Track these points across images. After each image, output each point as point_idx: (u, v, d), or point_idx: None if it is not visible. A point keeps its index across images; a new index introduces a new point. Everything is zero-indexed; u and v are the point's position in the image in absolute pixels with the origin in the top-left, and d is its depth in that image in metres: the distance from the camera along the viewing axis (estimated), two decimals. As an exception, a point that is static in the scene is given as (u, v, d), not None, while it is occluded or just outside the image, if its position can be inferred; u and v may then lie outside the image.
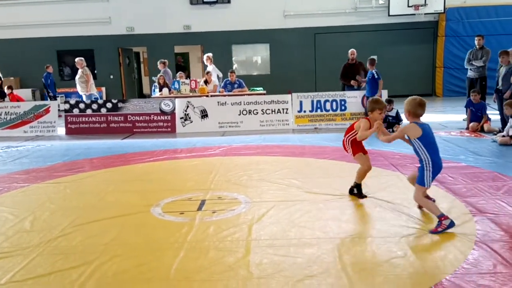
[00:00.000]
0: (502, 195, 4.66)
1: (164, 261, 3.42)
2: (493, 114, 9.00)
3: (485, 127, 8.41)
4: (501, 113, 8.28)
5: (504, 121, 7.90)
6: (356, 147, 4.83)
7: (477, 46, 10.01)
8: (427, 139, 3.91)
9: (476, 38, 10.16)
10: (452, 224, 3.73)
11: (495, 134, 7.82)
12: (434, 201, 4.15)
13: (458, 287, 2.86)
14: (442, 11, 14.82)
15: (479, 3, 15.03)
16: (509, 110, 7.36)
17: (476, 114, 8.64)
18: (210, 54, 11.85)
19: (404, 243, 3.57)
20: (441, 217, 3.75)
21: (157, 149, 7.99)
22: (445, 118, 10.44)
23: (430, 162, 3.85)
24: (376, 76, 9.70)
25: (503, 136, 7.29)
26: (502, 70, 8.32)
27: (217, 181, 5.62)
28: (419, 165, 3.99)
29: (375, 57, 10.11)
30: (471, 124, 8.61)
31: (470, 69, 10.10)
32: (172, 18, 15.75)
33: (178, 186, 5.48)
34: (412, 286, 2.91)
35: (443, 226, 3.72)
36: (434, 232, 3.73)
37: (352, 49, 10.59)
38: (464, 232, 3.74)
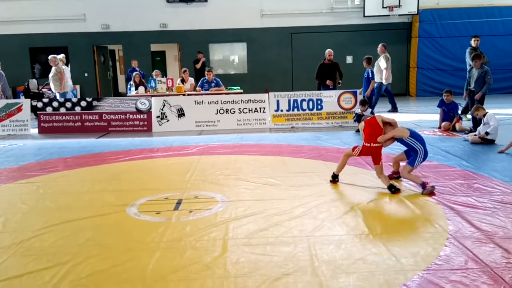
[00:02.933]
0: (473, 192, 4.78)
1: (140, 261, 3.39)
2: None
3: (457, 126, 8.62)
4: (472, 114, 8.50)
5: (475, 121, 8.12)
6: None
7: (474, 46, 9.87)
8: (416, 135, 5.01)
9: (473, 39, 10.02)
10: (433, 187, 4.80)
11: (467, 133, 8.03)
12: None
13: (430, 283, 2.93)
14: (416, 12, 15.10)
15: (451, 5, 15.38)
16: (481, 111, 7.56)
17: (448, 114, 8.84)
18: None
19: (378, 241, 3.63)
20: (424, 183, 4.79)
21: (133, 148, 7.90)
22: (419, 117, 10.65)
23: (423, 152, 4.92)
24: (370, 76, 9.85)
25: (475, 135, 7.48)
26: (475, 73, 8.55)
27: (194, 181, 5.60)
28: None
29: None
30: (443, 124, 8.81)
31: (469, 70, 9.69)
32: (148, 15, 15.58)
33: (154, 186, 5.43)
34: (386, 283, 2.96)
35: (428, 187, 4.76)
36: (423, 192, 4.75)
37: (330, 50, 10.70)
38: (437, 229, 3.84)
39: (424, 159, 4.99)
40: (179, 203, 4.71)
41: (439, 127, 8.88)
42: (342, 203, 4.61)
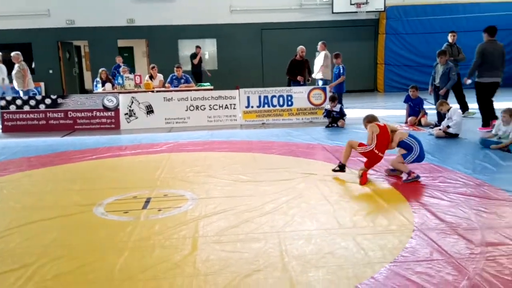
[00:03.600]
0: (437, 185, 4.91)
1: (107, 261, 3.33)
2: (430, 108, 9.46)
3: (423, 121, 8.83)
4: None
5: (439, 116, 8.33)
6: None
7: (451, 42, 9.88)
8: (414, 136, 5.36)
9: (450, 34, 9.98)
10: (418, 177, 5.04)
11: (432, 128, 8.23)
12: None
13: (397, 275, 2.99)
14: (383, 9, 15.37)
15: (417, 2, 15.71)
16: (445, 106, 7.76)
17: (414, 109, 9.05)
18: None
19: (347, 235, 3.68)
20: (411, 172, 5.05)
21: (100, 146, 7.74)
22: (386, 113, 10.85)
23: (418, 150, 5.18)
24: (341, 72, 9.92)
25: (439, 129, 7.68)
26: (440, 69, 8.76)
27: (163, 179, 5.53)
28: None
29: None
30: (409, 118, 9.01)
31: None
32: (115, 11, 15.27)
33: (122, 184, 5.34)
34: (355, 276, 3.00)
35: (412, 175, 5.01)
36: (406, 180, 4.99)
37: (302, 47, 10.73)
38: (403, 221, 3.92)
39: (418, 159, 5.22)
40: (147, 201, 4.64)
41: (406, 122, 9.08)
42: (313, 198, 4.64)
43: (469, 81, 8.38)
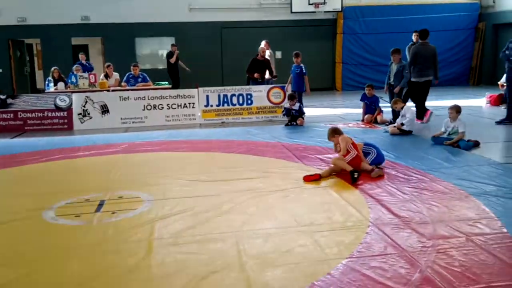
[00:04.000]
0: (392, 181, 5.02)
1: (57, 268, 3.19)
2: (385, 106, 9.68)
3: (378, 118, 9.03)
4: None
5: (394, 113, 8.54)
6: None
7: (414, 41, 9.96)
8: (369, 144, 5.85)
9: (414, 34, 10.08)
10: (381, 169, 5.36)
11: (387, 125, 8.44)
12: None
13: (352, 270, 3.02)
14: (340, 9, 15.61)
15: (373, 2, 16.06)
16: (399, 104, 7.97)
17: (370, 107, 9.24)
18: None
19: (304, 232, 3.69)
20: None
21: (52, 148, 7.44)
22: (344, 111, 11.04)
23: (375, 154, 5.64)
24: (304, 71, 9.93)
25: (394, 127, 7.87)
26: (394, 68, 8.98)
27: (118, 180, 5.38)
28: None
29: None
30: (366, 116, 9.19)
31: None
32: (69, 8, 14.74)
33: (74, 187, 5.15)
34: (312, 273, 3.01)
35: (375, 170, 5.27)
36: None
37: (263, 47, 10.73)
38: (359, 218, 3.97)
39: (378, 160, 5.62)
40: (101, 204, 4.50)
41: (362, 120, 9.26)
42: (271, 197, 4.63)
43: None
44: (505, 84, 8.88)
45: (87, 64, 12.44)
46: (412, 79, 8.73)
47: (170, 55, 13.50)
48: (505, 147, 6.96)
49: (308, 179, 5.14)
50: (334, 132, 5.74)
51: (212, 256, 3.30)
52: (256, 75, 10.40)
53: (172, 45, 13.74)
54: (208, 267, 3.14)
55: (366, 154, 5.65)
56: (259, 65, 10.52)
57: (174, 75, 13.47)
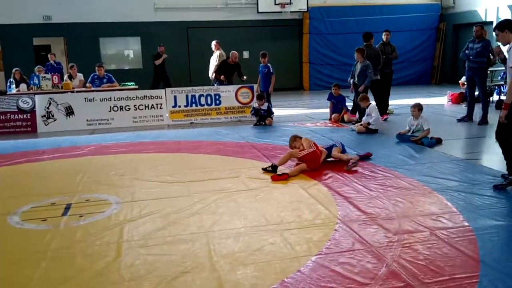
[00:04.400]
0: (359, 178, 5.13)
1: (23, 274, 3.11)
2: (352, 105, 9.88)
3: (345, 117, 9.21)
4: (358, 105, 9.13)
5: (360, 112, 8.72)
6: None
7: (385, 41, 10.03)
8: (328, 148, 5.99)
9: (384, 33, 10.19)
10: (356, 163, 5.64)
11: (354, 124, 8.61)
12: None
13: (322, 266, 3.08)
14: (306, 9, 15.79)
15: (338, 3, 16.33)
16: (364, 103, 8.14)
17: (337, 106, 9.40)
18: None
19: (274, 231, 3.73)
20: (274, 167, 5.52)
21: (15, 151, 7.22)
22: (311, 110, 11.19)
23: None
24: (271, 71, 9.99)
25: (360, 125, 8.05)
26: (358, 66, 9.16)
27: (85, 183, 5.28)
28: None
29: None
30: (333, 115, 9.35)
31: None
32: (30, 7, 14.31)
33: (40, 191, 5.02)
34: (282, 271, 3.05)
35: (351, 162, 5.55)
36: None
37: (235, 52, 10.72)
38: (327, 215, 4.05)
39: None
40: (68, 208, 4.41)
41: (330, 119, 9.41)
42: (241, 196, 4.66)
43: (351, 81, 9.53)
44: (465, 83, 9.21)
45: (54, 64, 12.10)
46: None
47: (157, 56, 13.19)
48: (466, 144, 7.23)
49: (276, 178, 5.20)
50: (296, 137, 5.97)
51: (182, 257, 3.30)
52: (222, 77, 10.44)
53: (160, 45, 13.38)
54: (179, 268, 3.13)
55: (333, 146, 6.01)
56: (229, 68, 10.58)
57: (163, 76, 13.14)
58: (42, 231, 3.87)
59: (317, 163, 5.63)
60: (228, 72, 10.63)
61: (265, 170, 5.53)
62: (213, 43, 11.28)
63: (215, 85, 10.65)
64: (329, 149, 5.93)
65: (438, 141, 6.90)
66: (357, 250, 3.31)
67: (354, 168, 5.51)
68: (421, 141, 6.80)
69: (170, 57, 14.20)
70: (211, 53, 11.88)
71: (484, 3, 14.91)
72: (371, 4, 16.38)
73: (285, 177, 5.23)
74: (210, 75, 11.21)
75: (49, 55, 12.29)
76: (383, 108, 9.26)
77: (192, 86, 10.52)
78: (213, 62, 11.08)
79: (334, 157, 5.89)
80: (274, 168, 5.48)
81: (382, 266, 3.04)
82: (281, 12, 15.58)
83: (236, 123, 9.81)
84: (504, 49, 5.03)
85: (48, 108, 9.27)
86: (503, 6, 13.98)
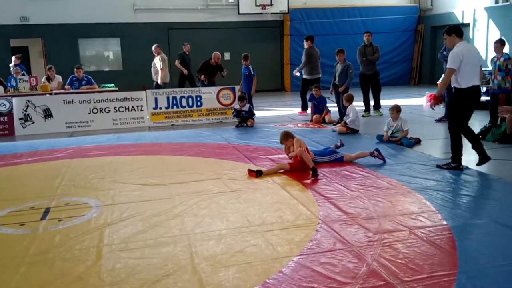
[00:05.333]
0: (340, 179, 5.18)
1: (2, 279, 3.05)
2: (332, 106, 9.96)
3: (326, 118, 9.28)
4: (339, 106, 9.23)
5: (341, 113, 8.81)
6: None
7: (366, 42, 10.10)
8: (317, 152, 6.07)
9: (365, 35, 10.26)
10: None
11: (335, 125, 8.68)
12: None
13: (303, 267, 3.10)
14: (286, 11, 15.87)
15: (317, 5, 16.46)
16: (346, 102, 8.22)
17: (318, 107, 9.47)
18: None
19: (256, 232, 3.74)
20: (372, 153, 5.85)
21: (-9, 155, 7.08)
22: (293, 111, 11.24)
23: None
24: (252, 73, 10.00)
25: (341, 125, 8.12)
26: (339, 68, 9.25)
27: (64, 186, 5.20)
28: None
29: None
30: (314, 116, 9.41)
31: (363, 65, 9.95)
32: (6, 8, 14.05)
33: (17, 195, 4.93)
34: (264, 272, 3.06)
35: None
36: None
37: (218, 53, 10.73)
38: (309, 215, 4.08)
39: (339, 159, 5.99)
40: (47, 212, 4.34)
41: (311, 120, 9.47)
42: (223, 198, 4.65)
43: (297, 74, 10.91)
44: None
45: (19, 68, 11.82)
46: (304, 76, 10.72)
47: (182, 56, 11.84)
48: (444, 144, 7.34)
49: (252, 175, 5.37)
50: (288, 136, 5.89)
51: (164, 260, 3.28)
52: (202, 77, 10.48)
53: (184, 44, 12.15)
54: (160, 271, 3.11)
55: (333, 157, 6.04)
56: (210, 69, 10.61)
57: (188, 76, 12.05)
58: (20, 236, 3.80)
59: (306, 167, 5.54)
60: (210, 73, 10.64)
61: (250, 170, 5.50)
62: (154, 47, 11.37)
63: (199, 86, 10.64)
64: (324, 154, 5.98)
65: (417, 141, 7.01)
66: (338, 250, 3.34)
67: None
68: (400, 141, 6.90)
69: (150, 59, 14.05)
70: (193, 54, 11.86)
71: (461, 6, 15.22)
72: (350, 6, 16.56)
73: (254, 176, 5.37)
74: (154, 79, 11.33)
75: (13, 57, 11.89)
76: (367, 108, 9.72)
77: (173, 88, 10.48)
78: (157, 66, 11.07)
79: (350, 159, 5.96)
80: (259, 173, 5.43)
81: (363, 266, 3.07)
82: (262, 13, 15.61)
83: (218, 124, 9.79)
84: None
85: (26, 110, 9.11)
86: (480, 8, 14.30)
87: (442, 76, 8.44)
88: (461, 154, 5.38)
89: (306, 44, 10.80)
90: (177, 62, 11.82)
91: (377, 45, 10.20)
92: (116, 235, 3.76)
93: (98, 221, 4.08)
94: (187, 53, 11.88)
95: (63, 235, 3.78)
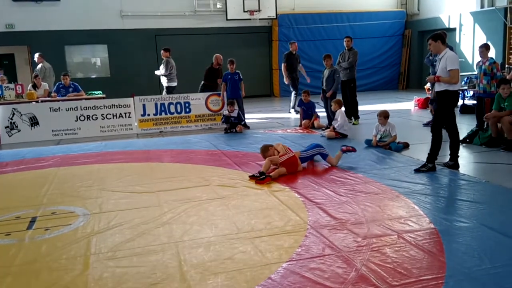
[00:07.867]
0: (329, 184, 5.19)
1: (-15, 292, 3.00)
2: (321, 111, 9.99)
3: (315, 123, 9.31)
4: (327, 111, 9.26)
5: (329, 118, 8.84)
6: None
7: (346, 48, 10.01)
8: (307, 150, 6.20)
9: (344, 40, 10.14)
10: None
11: (324, 130, 8.71)
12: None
13: (292, 273, 3.09)
14: (275, 17, 15.93)
15: (306, 10, 16.54)
16: (334, 106, 8.26)
17: (307, 112, 9.50)
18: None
19: (245, 239, 3.72)
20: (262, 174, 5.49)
21: (-24, 164, 6.97)
22: (282, 116, 11.26)
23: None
24: (241, 77, 9.95)
25: (330, 130, 8.15)
26: (326, 73, 9.30)
27: (50, 195, 5.14)
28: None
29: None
30: (303, 122, 9.43)
31: (341, 71, 9.68)
32: (-8, 15, 13.92)
33: (3, 204, 4.86)
34: (253, 279, 3.05)
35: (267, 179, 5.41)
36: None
37: (219, 55, 10.68)
38: (298, 221, 4.07)
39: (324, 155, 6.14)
40: (33, 221, 4.28)
41: (300, 125, 9.49)
42: (211, 205, 4.63)
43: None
44: (430, 88, 9.46)
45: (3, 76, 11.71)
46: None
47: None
48: (431, 147, 7.42)
49: (260, 183, 5.31)
50: (266, 148, 5.98)
51: (152, 268, 3.25)
52: (219, 80, 10.38)
53: (291, 43, 11.88)
54: (148, 280, 3.08)
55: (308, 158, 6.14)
56: (215, 74, 10.54)
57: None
58: (6, 246, 3.74)
59: (295, 167, 5.74)
60: (214, 78, 10.58)
61: (252, 177, 5.50)
62: (36, 55, 11.46)
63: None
64: (309, 148, 6.16)
65: (406, 146, 7.06)
66: (327, 255, 3.34)
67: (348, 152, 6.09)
68: (389, 146, 6.94)
69: (138, 66, 14.02)
70: (180, 60, 11.80)
71: (447, 10, 15.42)
72: (338, 12, 16.68)
73: (268, 180, 5.36)
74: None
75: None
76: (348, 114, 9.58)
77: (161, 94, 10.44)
78: (41, 75, 11.09)
79: (332, 163, 6.06)
80: (262, 175, 5.44)
81: (352, 271, 3.07)
82: (250, 19, 15.65)
83: (207, 130, 9.77)
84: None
85: (11, 118, 9.01)
86: (466, 13, 14.49)
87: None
88: (437, 155, 5.61)
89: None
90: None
91: (356, 50, 10.02)
92: (103, 243, 3.72)
93: (85, 230, 4.04)
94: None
95: (49, 244, 3.73)
